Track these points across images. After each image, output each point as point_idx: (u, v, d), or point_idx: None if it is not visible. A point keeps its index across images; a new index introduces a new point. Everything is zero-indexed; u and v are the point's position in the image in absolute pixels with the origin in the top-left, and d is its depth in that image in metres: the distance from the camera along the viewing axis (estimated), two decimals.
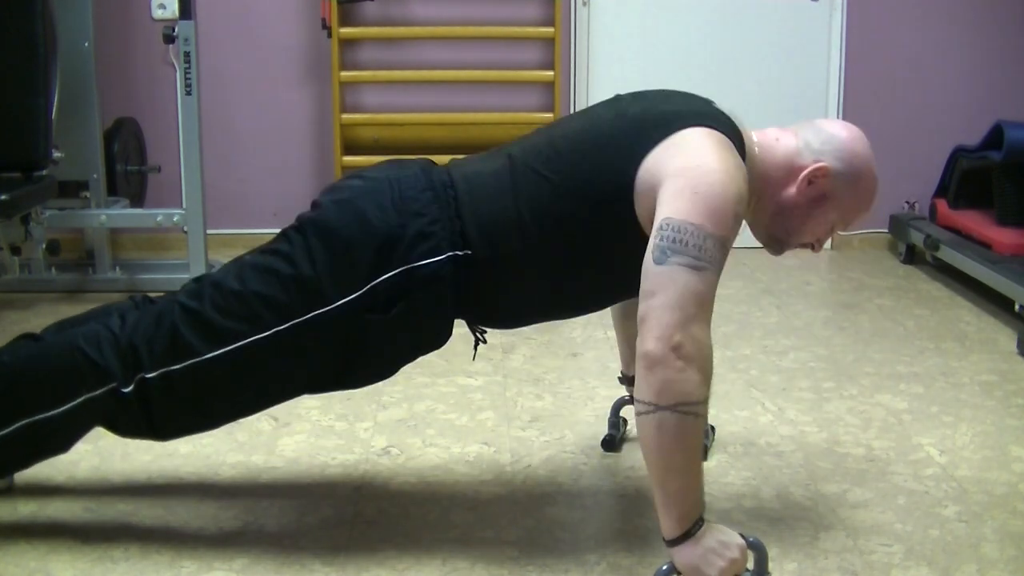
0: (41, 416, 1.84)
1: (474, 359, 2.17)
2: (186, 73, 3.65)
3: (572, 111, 4.41)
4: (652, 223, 1.69)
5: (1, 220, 3.30)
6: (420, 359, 1.93)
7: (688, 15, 4.47)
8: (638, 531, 2.01)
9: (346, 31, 4.30)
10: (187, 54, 3.63)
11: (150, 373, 1.82)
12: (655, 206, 1.71)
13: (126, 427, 1.91)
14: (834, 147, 1.88)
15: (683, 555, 1.67)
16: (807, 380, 2.87)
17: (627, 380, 2.32)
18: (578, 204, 1.80)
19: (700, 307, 1.63)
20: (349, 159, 4.32)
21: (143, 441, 2.13)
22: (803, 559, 1.90)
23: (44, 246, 3.56)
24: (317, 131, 4.48)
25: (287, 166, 4.49)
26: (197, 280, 1.91)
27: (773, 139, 1.91)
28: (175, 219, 3.74)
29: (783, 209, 1.90)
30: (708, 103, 1.88)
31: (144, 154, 4.24)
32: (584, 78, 4.47)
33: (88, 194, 3.76)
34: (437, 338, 1.88)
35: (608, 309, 2.17)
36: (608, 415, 2.41)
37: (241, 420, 2.03)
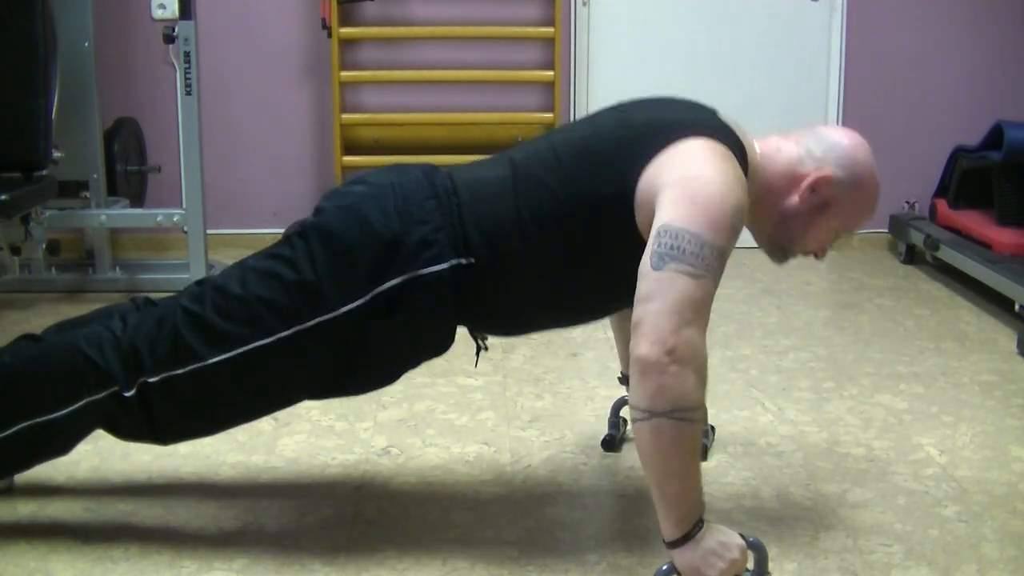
0: (42, 418, 1.84)
1: (476, 366, 2.18)
2: (186, 73, 3.64)
3: (572, 111, 4.42)
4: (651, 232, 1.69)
5: (1, 220, 3.30)
6: None
7: (688, 15, 4.46)
8: (638, 531, 2.01)
9: (346, 31, 4.30)
10: (187, 54, 3.63)
11: (152, 377, 1.81)
12: (654, 216, 1.70)
13: (127, 430, 1.91)
14: (836, 155, 1.87)
15: (683, 557, 1.67)
16: (807, 380, 2.87)
17: (627, 380, 2.30)
18: (578, 207, 1.80)
19: (696, 314, 1.62)
20: (349, 159, 4.32)
21: None
22: (803, 559, 1.90)
23: (44, 246, 3.56)
24: (317, 131, 4.48)
25: (287, 166, 4.49)
26: (199, 283, 1.92)
27: (775, 148, 1.90)
28: (175, 219, 3.74)
29: (786, 218, 1.90)
30: (712, 113, 1.87)
31: (144, 154, 4.24)
32: (584, 78, 4.46)
33: (88, 194, 3.76)
34: (438, 341, 1.88)
35: None
36: (608, 415, 2.41)
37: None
